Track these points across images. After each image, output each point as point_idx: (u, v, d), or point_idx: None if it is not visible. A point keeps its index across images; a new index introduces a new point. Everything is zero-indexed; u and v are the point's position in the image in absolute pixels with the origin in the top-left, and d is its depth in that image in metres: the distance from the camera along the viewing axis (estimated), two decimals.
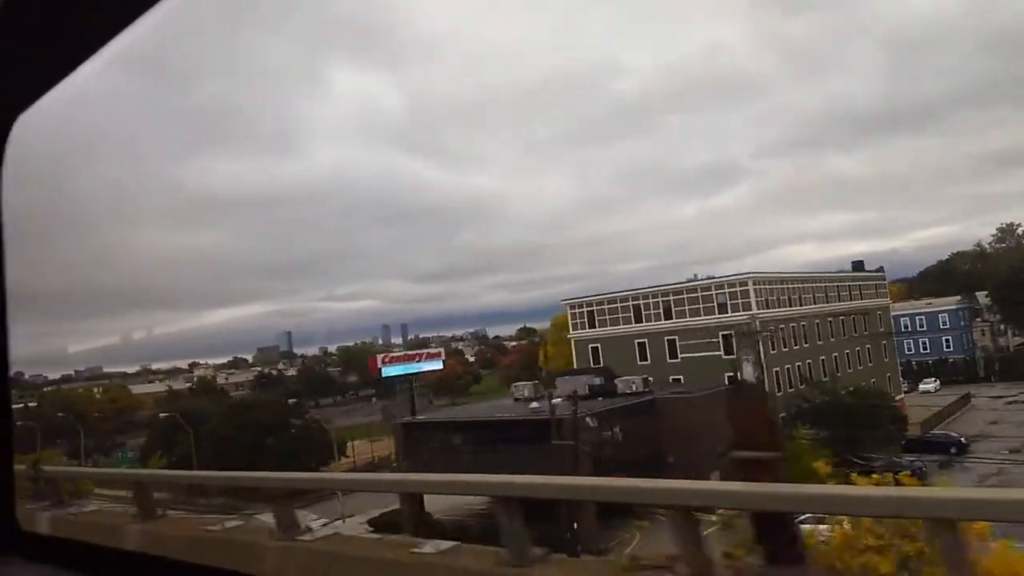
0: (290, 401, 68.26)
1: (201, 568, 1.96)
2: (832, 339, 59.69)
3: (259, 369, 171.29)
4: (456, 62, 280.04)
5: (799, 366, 54.54)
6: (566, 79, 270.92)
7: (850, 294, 64.81)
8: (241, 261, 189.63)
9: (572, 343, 62.52)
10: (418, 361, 57.80)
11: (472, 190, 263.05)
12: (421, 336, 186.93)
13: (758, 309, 52.13)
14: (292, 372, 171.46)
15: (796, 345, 55.61)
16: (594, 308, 61.08)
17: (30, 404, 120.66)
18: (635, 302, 58.43)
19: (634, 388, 46.55)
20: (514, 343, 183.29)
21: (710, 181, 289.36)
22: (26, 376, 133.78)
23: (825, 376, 55.69)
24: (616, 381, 47.88)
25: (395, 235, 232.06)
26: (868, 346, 64.21)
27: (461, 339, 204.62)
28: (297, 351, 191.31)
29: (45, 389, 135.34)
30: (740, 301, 52.55)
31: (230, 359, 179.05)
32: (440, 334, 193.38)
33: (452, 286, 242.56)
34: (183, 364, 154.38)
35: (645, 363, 56.08)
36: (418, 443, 47.11)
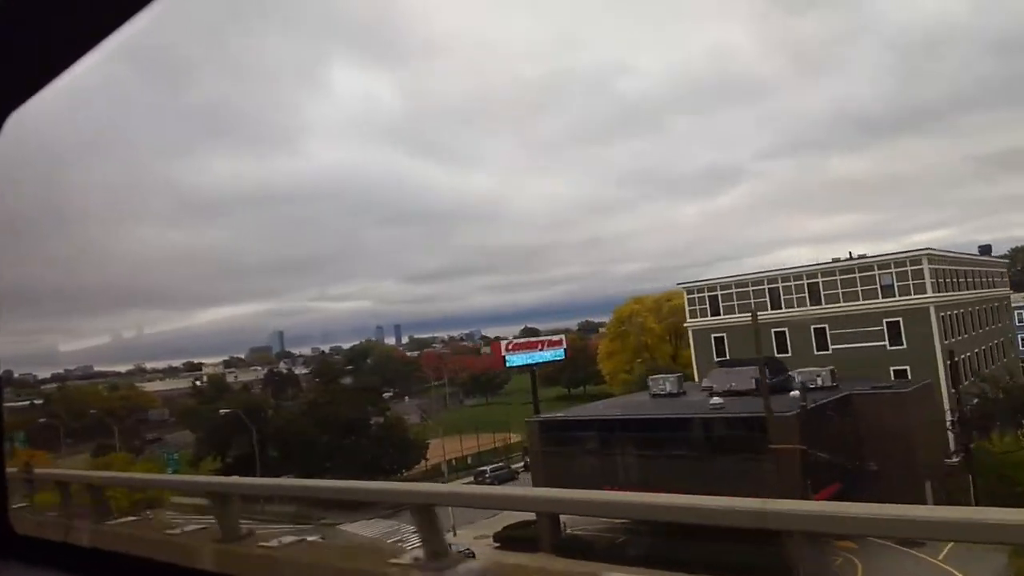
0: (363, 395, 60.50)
1: (205, 573, 2.13)
2: (981, 329, 53.81)
3: (268, 367, 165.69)
4: (458, 61, 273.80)
5: (967, 358, 48.47)
6: (569, 79, 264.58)
7: (982, 281, 58.94)
8: (235, 260, 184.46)
9: (689, 333, 55.95)
10: (540, 350, 50.86)
11: (472, 190, 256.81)
12: (416, 336, 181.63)
13: (933, 293, 45.84)
14: (303, 371, 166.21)
15: (956, 336, 49.55)
16: (718, 293, 54.56)
17: (36, 402, 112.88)
18: (772, 285, 51.97)
19: (820, 382, 40.01)
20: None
21: (712, 182, 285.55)
22: (15, 375, 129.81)
23: (983, 369, 49.84)
24: (792, 374, 41.32)
25: (392, 235, 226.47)
26: (1000, 339, 58.49)
27: (460, 339, 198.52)
28: (294, 351, 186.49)
29: (43, 387, 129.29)
30: (912, 283, 46.20)
31: (227, 358, 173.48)
32: (447, 334, 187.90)
33: (447, 287, 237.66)
34: (177, 363, 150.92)
35: (784, 356, 49.65)
36: (562, 445, 40.21)
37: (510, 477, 58.13)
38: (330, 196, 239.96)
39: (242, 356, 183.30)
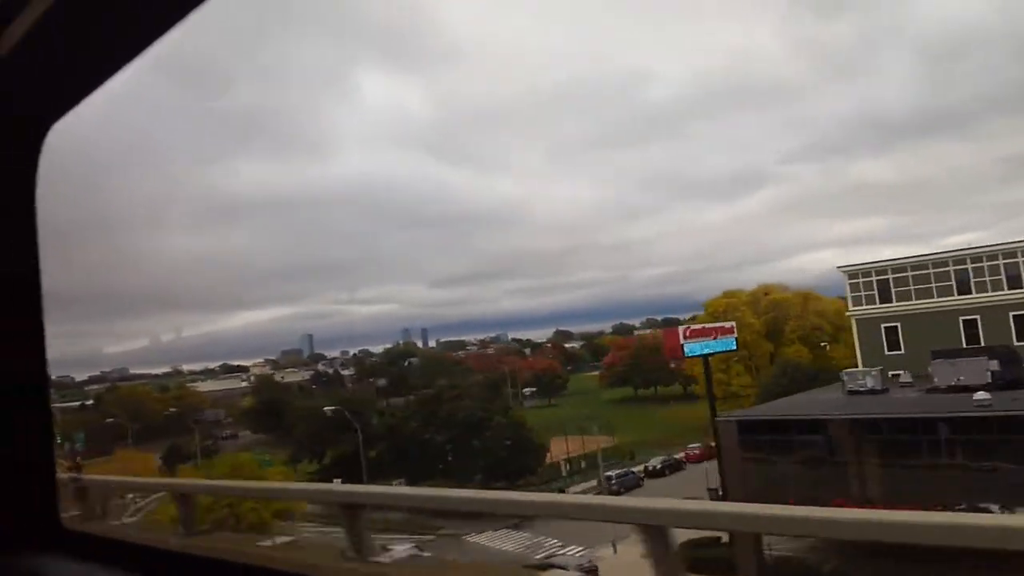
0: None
1: (251, 568, 1.92)
2: None
3: (313, 369, 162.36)
4: (484, 67, 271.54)
5: None
6: (594, 84, 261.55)
7: None
8: (264, 264, 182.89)
9: (853, 323, 49.68)
10: (713, 338, 44.90)
11: (497, 195, 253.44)
12: (443, 340, 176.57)
13: None
14: (348, 371, 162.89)
15: None
16: (889, 277, 48.29)
17: (86, 403, 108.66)
18: (959, 267, 45.64)
19: None
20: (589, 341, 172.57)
21: (737, 186, 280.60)
22: (53, 377, 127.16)
23: None
24: None
25: (418, 239, 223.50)
26: None
27: (486, 342, 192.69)
28: (327, 354, 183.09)
29: (86, 388, 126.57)
30: None
31: (261, 360, 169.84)
32: (474, 337, 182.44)
33: (473, 290, 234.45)
34: (213, 365, 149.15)
35: (974, 348, 43.22)
36: (767, 450, 34.18)
37: (635, 484, 52.26)
38: (356, 201, 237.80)
39: (275, 358, 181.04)
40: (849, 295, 49.98)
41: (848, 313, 50.25)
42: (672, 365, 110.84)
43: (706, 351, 44.22)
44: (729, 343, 47.07)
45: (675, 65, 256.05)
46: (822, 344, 74.88)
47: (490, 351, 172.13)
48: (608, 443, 67.42)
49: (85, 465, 77.45)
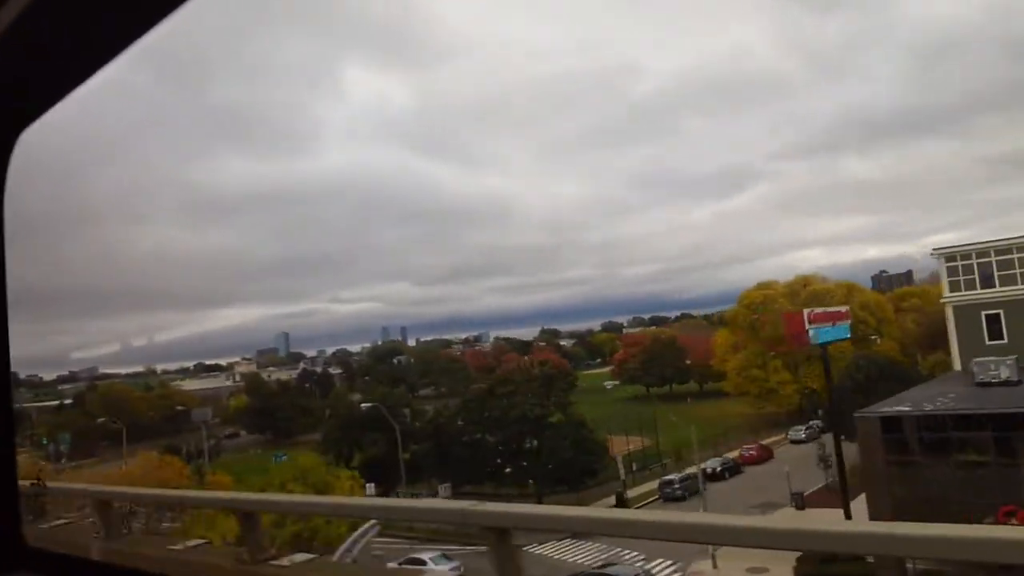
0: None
1: None
2: None
3: (302, 367, 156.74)
4: (474, 62, 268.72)
5: None
6: (586, 81, 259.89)
7: None
8: (243, 262, 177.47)
9: (948, 310, 45.14)
10: (832, 325, 39.84)
11: (485, 191, 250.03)
12: (423, 339, 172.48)
13: None
14: (337, 370, 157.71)
15: None
16: (992, 259, 43.85)
17: (65, 402, 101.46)
18: None
19: None
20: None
21: (726, 184, 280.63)
22: (21, 376, 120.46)
23: None
24: None
25: (403, 235, 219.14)
26: None
27: (471, 340, 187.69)
28: (305, 352, 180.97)
29: (59, 388, 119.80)
30: None
31: (238, 359, 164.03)
32: (456, 335, 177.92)
33: (456, 288, 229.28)
34: (188, 364, 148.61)
35: None
36: (926, 450, 29.22)
37: (696, 489, 47.28)
38: (342, 197, 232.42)
39: (250, 357, 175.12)
40: (945, 280, 45.38)
41: (943, 299, 45.64)
42: (688, 361, 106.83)
43: (828, 338, 39.17)
44: (844, 331, 42.10)
45: (667, 61, 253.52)
46: (871, 337, 71.09)
47: (486, 348, 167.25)
48: (642, 443, 62.52)
49: (68, 470, 71.21)
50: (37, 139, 2.03)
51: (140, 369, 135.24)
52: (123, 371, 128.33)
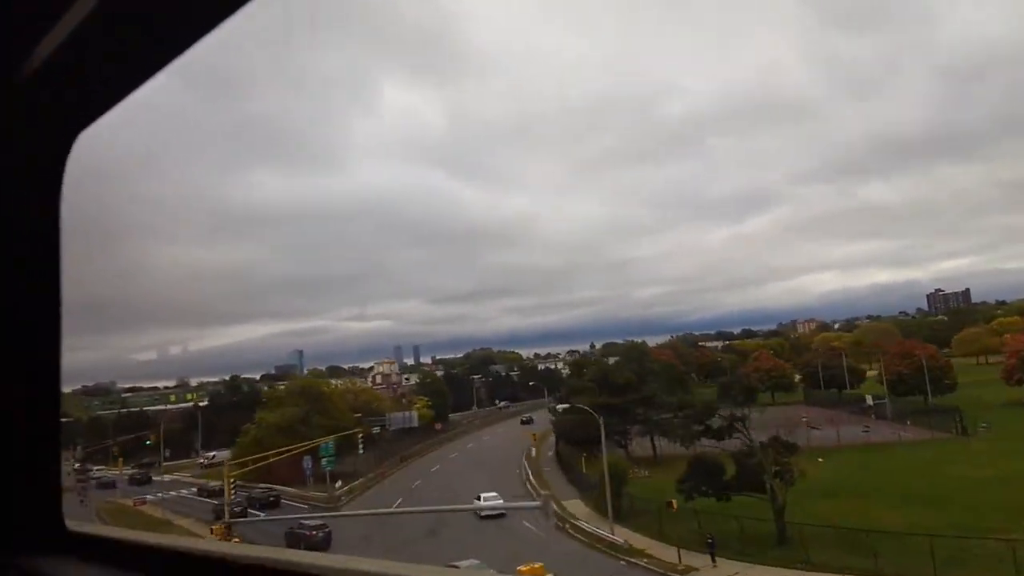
0: None
1: (253, 567, 1.80)
2: None
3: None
4: (507, 80, 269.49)
5: None
6: (616, 99, 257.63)
7: None
8: (263, 279, 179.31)
9: None
10: None
11: (508, 212, 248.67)
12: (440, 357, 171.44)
13: None
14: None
15: None
16: None
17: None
18: None
19: None
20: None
21: (744, 206, 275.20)
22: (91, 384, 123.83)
23: None
24: None
25: (423, 255, 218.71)
26: None
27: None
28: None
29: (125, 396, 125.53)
30: None
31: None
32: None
33: (470, 308, 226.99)
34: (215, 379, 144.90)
35: None
36: None
37: None
38: (366, 214, 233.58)
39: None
40: None
41: None
42: None
43: None
44: None
45: (698, 82, 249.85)
46: None
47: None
48: None
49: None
50: (83, 154, 2.10)
51: (174, 382, 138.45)
52: (158, 384, 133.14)
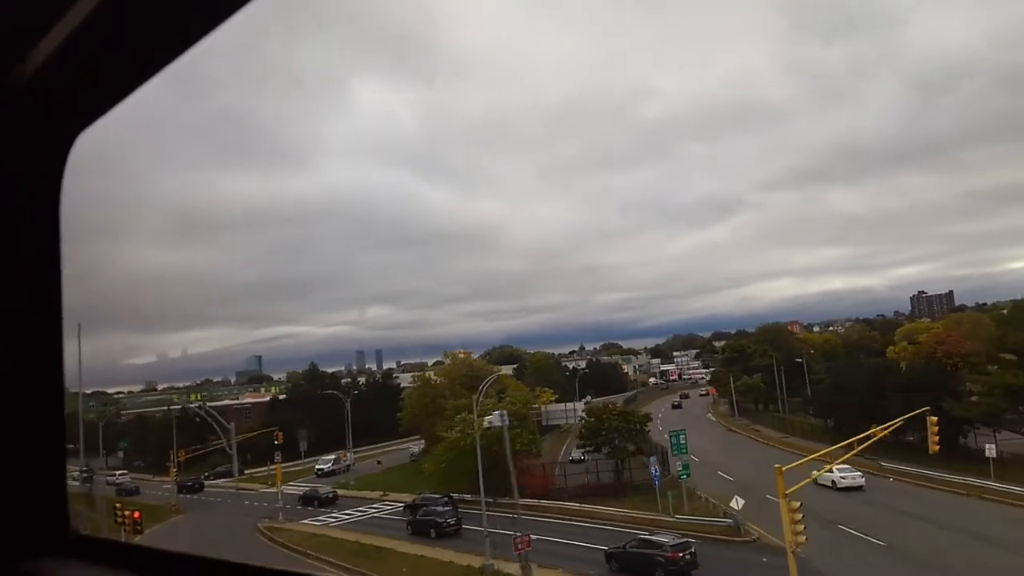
0: None
1: (261, 570, 1.92)
2: None
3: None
4: (482, 82, 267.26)
5: None
6: (591, 103, 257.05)
7: None
8: (226, 282, 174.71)
9: None
10: None
11: (477, 216, 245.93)
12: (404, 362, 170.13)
13: None
14: None
15: None
16: None
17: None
18: None
19: None
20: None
21: (711, 212, 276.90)
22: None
23: None
24: None
25: (389, 258, 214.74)
26: None
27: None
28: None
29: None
30: None
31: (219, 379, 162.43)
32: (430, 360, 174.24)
33: (432, 313, 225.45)
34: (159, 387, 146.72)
35: None
36: None
37: None
38: (334, 216, 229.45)
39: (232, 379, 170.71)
40: None
41: None
42: None
43: None
44: None
45: (672, 85, 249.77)
46: None
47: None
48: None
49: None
50: (79, 156, 2.11)
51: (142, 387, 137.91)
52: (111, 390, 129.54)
